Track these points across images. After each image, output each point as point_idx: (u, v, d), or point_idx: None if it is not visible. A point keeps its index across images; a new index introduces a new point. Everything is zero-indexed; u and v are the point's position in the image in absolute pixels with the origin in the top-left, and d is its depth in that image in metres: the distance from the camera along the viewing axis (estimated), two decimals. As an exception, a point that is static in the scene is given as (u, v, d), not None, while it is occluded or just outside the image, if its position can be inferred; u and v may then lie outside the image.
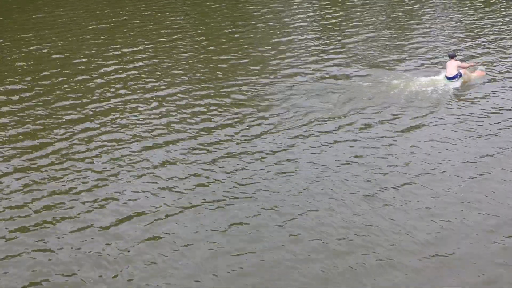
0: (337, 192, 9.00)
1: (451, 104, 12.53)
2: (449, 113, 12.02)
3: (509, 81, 13.84)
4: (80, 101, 12.25)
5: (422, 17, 20.12)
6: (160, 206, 8.63)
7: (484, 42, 17.03)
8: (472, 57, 15.40)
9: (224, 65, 14.72)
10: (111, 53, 15.51)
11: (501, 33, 17.99)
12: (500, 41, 17.05)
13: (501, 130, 11.23)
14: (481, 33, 17.95)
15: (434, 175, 9.53)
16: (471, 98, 12.93)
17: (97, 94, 12.67)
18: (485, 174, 9.63)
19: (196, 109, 12.07)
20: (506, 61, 15.26)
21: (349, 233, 8.04)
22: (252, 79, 13.75)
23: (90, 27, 18.07)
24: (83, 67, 14.38)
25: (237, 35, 17.49)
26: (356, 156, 10.14)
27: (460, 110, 12.21)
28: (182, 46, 16.40)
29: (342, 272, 7.36)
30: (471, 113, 11.99)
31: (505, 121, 11.64)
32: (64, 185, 9.10)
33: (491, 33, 18.03)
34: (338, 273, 7.33)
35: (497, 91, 13.16)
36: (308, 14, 20.33)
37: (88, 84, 13.26)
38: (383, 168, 9.69)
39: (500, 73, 14.35)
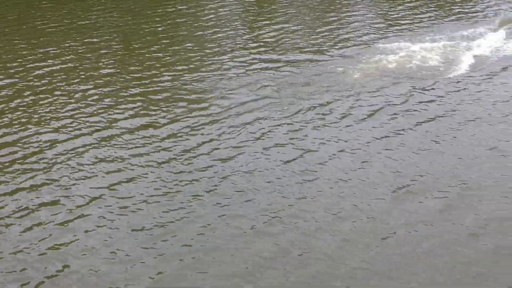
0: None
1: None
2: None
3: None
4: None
5: (349, 7, 20.37)
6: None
7: (402, 29, 17.42)
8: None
9: (152, 62, 14.24)
10: (33, 55, 14.65)
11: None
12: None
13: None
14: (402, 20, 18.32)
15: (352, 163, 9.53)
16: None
17: (16, 97, 11.92)
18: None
19: (126, 108, 11.52)
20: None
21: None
22: (180, 74, 13.33)
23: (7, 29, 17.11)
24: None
25: (161, 33, 16.94)
26: (303, 150, 9.96)
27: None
28: (104, 47, 15.68)
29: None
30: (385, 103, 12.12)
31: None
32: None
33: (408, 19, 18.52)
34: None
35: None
36: (231, 8, 20.12)
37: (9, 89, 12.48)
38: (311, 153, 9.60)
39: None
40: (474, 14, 19.44)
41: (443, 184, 8.83)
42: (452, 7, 20.54)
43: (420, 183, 8.88)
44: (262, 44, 15.86)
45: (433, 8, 20.18)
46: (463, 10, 20.09)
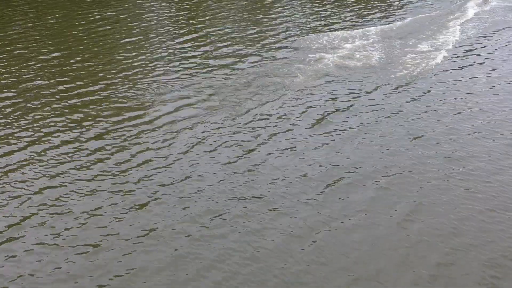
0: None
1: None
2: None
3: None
4: None
5: (278, 8, 20.68)
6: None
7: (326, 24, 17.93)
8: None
9: (83, 72, 13.89)
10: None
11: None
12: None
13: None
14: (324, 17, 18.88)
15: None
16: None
17: None
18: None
19: (56, 120, 11.17)
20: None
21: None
22: (112, 83, 13.08)
23: None
24: None
25: (89, 41, 16.56)
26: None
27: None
28: (31, 56, 15.17)
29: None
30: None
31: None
32: None
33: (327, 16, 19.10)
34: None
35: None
36: (160, 13, 20.00)
37: None
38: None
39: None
40: (396, 12, 20.34)
41: (375, 175, 9.22)
42: (379, 5, 21.34)
43: (355, 174, 9.22)
44: (194, 48, 15.85)
45: (360, 6, 20.87)
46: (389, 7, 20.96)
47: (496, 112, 11.70)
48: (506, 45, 16.26)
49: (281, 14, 19.63)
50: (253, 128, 10.85)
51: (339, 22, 18.59)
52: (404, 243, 7.67)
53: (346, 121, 11.16)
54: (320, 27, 17.98)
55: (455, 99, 12.36)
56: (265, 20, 18.96)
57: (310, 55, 14.71)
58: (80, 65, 14.44)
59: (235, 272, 7.08)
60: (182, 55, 15.34)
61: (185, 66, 14.37)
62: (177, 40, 16.68)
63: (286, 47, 15.86)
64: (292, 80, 13.14)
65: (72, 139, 10.38)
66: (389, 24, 18.24)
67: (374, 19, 19.01)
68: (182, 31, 17.79)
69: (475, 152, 9.97)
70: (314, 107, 11.80)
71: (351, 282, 6.96)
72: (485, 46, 16.14)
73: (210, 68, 14.14)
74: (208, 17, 19.33)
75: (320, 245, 7.59)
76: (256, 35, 17.10)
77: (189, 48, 15.92)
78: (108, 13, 19.69)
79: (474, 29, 17.81)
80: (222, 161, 9.61)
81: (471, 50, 15.71)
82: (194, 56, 15.16)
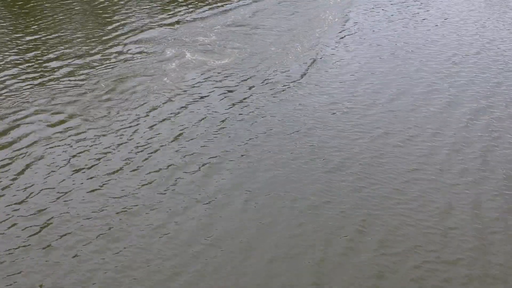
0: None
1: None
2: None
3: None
4: None
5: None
6: None
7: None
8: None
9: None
10: None
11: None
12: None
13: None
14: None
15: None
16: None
17: None
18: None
19: None
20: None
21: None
22: None
23: None
24: None
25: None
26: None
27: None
28: None
29: None
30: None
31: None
32: None
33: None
34: None
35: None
36: None
37: None
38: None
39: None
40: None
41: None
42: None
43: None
44: (35, 57, 12.56)
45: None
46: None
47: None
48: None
49: (126, 12, 16.24)
50: (135, 143, 8.81)
51: (188, 14, 15.70)
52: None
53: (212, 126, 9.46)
54: (169, 22, 15.11)
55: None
56: (109, 19, 15.61)
57: (168, 52, 12.51)
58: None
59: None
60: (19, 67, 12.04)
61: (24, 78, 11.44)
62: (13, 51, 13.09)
63: (139, 44, 13.26)
64: (159, 81, 10.99)
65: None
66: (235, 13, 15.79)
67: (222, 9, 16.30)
68: (16, 35, 14.12)
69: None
70: (192, 110, 9.86)
71: None
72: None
73: (56, 76, 11.42)
74: (48, 18, 15.49)
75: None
76: (103, 35, 14.08)
77: (28, 58, 12.60)
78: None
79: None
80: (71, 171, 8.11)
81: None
82: (35, 65, 12.09)
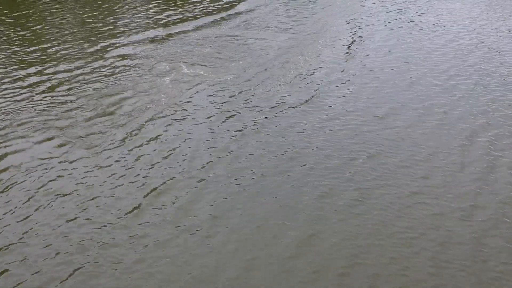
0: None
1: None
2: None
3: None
4: None
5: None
6: None
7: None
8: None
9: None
10: None
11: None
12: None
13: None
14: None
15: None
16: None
17: None
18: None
19: None
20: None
21: None
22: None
23: None
24: None
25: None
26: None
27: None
28: None
29: None
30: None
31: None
32: None
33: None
34: None
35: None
36: None
37: None
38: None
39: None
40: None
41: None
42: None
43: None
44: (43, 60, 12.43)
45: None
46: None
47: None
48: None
49: (115, 22, 15.46)
50: (119, 165, 8.31)
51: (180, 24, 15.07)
52: None
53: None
54: (162, 33, 14.39)
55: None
56: (98, 29, 14.90)
57: (161, 66, 11.95)
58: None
59: None
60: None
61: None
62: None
63: (129, 56, 12.69)
64: (156, 98, 10.45)
65: None
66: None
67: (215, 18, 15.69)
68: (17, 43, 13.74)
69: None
70: (180, 129, 9.37)
71: None
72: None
73: (39, 90, 10.84)
74: (46, 24, 15.28)
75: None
76: (92, 47, 13.42)
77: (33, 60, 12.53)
78: None
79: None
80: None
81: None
82: (19, 80, 11.43)
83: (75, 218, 7.15)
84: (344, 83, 11.12)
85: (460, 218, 7.11)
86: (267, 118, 9.70)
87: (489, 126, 9.39)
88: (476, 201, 7.42)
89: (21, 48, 13.35)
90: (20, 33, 14.54)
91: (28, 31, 14.67)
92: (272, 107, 10.12)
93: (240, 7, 16.86)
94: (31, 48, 13.34)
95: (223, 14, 16.10)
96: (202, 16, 15.88)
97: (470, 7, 16.51)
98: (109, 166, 8.29)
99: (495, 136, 9.07)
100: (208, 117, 9.78)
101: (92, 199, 7.51)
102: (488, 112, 9.86)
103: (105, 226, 7.00)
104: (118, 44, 13.56)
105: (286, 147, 8.75)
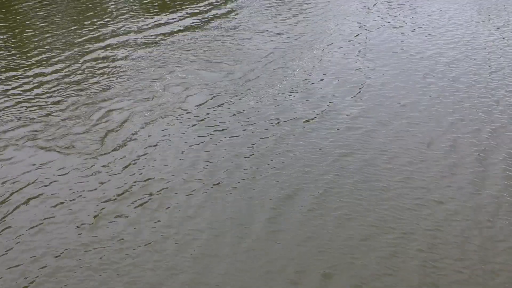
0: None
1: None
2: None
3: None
4: None
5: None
6: None
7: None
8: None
9: None
10: None
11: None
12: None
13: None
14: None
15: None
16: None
17: None
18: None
19: None
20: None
21: None
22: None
23: None
24: None
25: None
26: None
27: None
28: None
29: None
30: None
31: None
32: None
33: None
34: None
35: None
36: None
37: None
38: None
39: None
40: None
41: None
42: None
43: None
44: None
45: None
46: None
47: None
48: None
49: (105, 24, 15.20)
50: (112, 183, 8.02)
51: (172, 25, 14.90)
52: None
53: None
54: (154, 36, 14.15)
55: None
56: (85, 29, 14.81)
57: (153, 70, 11.73)
58: None
59: None
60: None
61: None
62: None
63: (117, 60, 12.39)
64: (148, 103, 10.22)
65: None
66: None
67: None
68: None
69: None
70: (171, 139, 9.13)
71: None
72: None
73: (25, 98, 10.57)
74: (34, 26, 14.99)
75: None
76: (80, 46, 13.31)
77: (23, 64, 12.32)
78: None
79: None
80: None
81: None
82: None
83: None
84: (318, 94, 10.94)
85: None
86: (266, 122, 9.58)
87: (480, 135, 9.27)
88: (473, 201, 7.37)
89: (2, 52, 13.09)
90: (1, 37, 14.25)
91: (8, 35, 14.38)
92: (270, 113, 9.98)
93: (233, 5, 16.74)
94: (13, 52, 13.09)
95: (215, 14, 15.96)
96: (190, 17, 15.71)
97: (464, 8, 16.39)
98: (99, 172, 8.14)
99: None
100: (201, 121, 9.69)
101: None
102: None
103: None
104: (107, 48, 13.38)
105: (283, 154, 8.60)
